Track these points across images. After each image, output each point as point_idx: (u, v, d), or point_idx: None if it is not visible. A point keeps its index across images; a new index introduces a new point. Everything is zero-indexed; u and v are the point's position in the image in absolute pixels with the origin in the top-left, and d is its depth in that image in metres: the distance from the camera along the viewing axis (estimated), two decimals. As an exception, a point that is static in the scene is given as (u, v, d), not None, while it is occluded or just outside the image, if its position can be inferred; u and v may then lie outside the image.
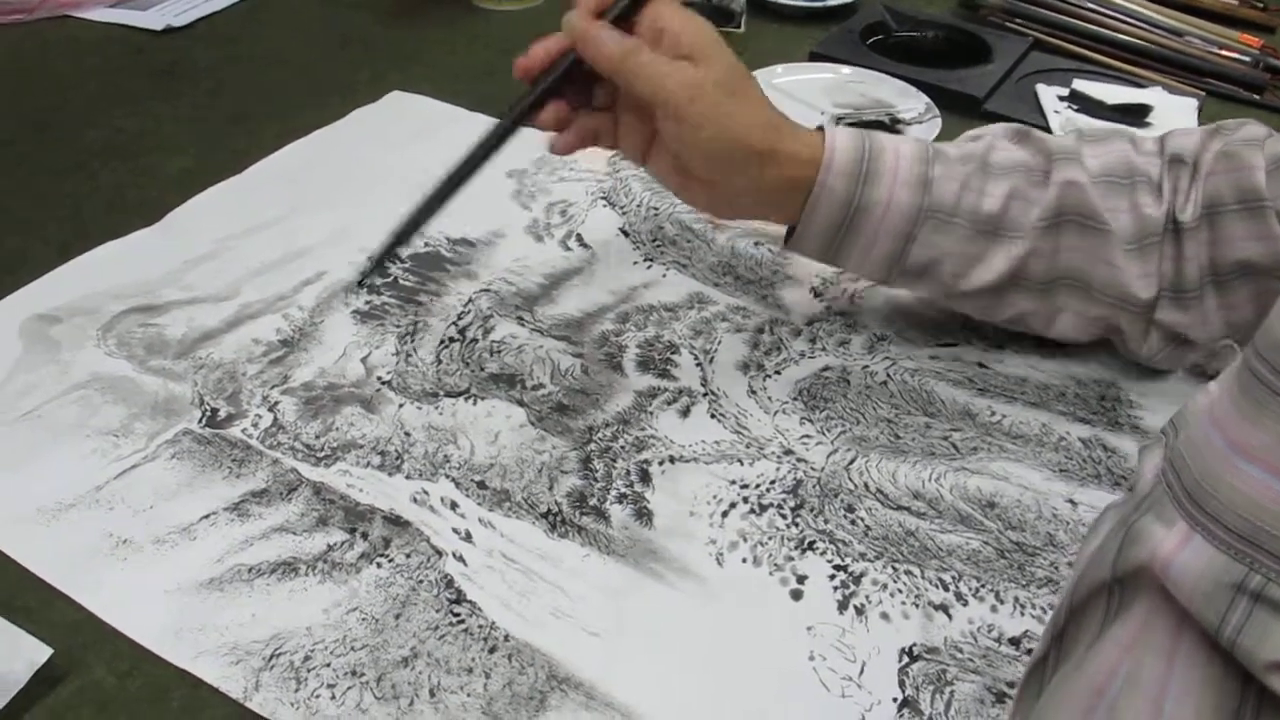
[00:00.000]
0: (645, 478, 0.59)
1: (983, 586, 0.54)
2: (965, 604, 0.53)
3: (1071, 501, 0.59)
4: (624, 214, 0.81)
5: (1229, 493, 0.30)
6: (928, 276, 0.64)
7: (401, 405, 0.63)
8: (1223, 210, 0.60)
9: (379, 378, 0.65)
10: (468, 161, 0.59)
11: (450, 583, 0.53)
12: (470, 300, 0.71)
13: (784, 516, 0.57)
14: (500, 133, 0.59)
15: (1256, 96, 1.02)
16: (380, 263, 0.59)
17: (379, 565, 0.54)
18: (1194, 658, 0.31)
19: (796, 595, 0.53)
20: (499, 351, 0.67)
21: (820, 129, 0.62)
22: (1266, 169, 0.59)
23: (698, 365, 0.67)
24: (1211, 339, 0.63)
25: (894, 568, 0.55)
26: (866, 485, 0.59)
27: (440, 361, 0.66)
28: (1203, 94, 0.99)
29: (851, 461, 0.61)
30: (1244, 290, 0.61)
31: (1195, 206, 0.61)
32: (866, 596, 0.53)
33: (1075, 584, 0.37)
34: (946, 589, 0.54)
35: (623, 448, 0.61)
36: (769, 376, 0.66)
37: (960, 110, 0.96)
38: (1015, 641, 0.51)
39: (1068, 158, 0.62)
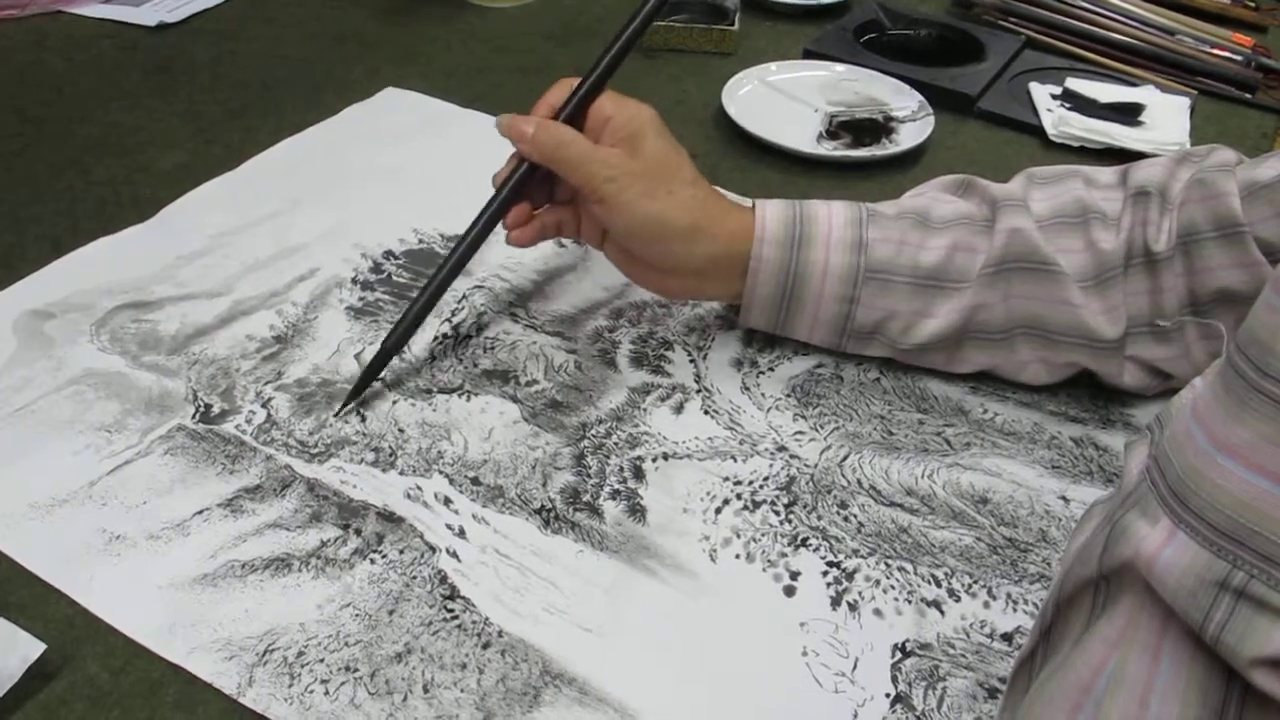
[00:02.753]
0: (639, 474, 0.59)
1: (975, 583, 0.54)
2: (958, 600, 0.53)
3: (1064, 498, 0.59)
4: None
5: (1211, 489, 0.31)
6: (878, 336, 0.65)
7: (395, 401, 0.63)
8: (1200, 239, 0.60)
9: (373, 374, 0.65)
10: (439, 279, 0.64)
11: (444, 579, 0.53)
12: (464, 296, 0.71)
13: (777, 513, 0.57)
14: (469, 244, 0.64)
15: (1248, 96, 1.02)
16: (359, 391, 0.63)
17: (372, 561, 0.54)
18: (1179, 654, 0.32)
19: (789, 591, 0.53)
20: (493, 348, 0.67)
21: (753, 205, 0.65)
22: (1240, 195, 0.59)
23: (691, 362, 0.67)
24: (1195, 372, 0.62)
25: (887, 564, 0.55)
26: (859, 482, 0.59)
27: (434, 358, 0.66)
28: (1194, 93, 1.00)
29: (844, 458, 0.61)
30: (1225, 319, 0.60)
31: (1169, 237, 0.60)
32: (859, 593, 0.53)
33: (1062, 580, 0.37)
34: (939, 585, 0.54)
35: (616, 444, 0.61)
36: (762, 373, 0.66)
37: (953, 108, 0.97)
38: (1008, 637, 0.51)
39: (1013, 204, 0.62)
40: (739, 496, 0.58)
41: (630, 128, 0.62)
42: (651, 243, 0.63)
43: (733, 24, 1.07)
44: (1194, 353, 0.61)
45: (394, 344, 0.63)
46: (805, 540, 0.56)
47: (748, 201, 0.65)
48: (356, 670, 0.49)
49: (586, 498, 0.58)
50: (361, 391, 0.63)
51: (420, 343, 0.67)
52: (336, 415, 0.62)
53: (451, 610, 0.51)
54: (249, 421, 0.61)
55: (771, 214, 0.63)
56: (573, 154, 0.61)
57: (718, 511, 0.57)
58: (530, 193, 0.65)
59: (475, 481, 0.58)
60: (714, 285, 0.66)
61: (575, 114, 0.63)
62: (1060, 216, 0.62)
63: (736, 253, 0.63)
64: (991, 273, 0.62)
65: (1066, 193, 0.63)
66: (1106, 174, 0.64)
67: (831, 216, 0.64)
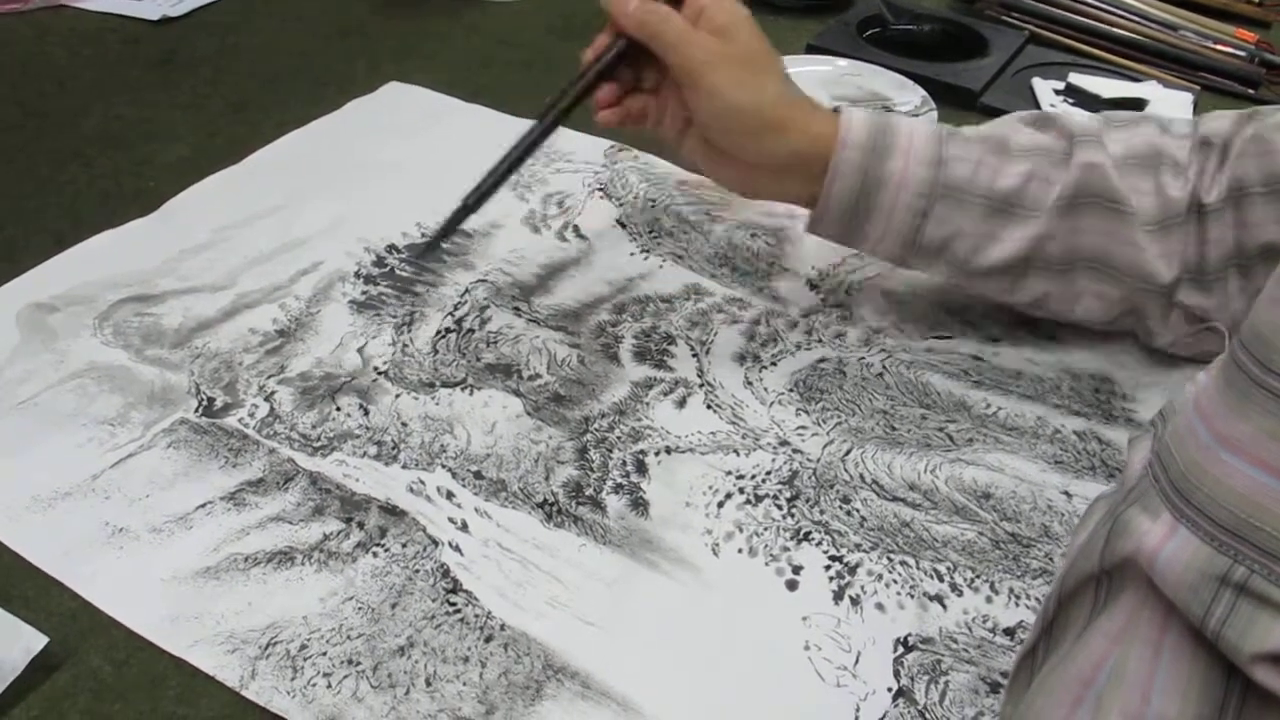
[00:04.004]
0: (641, 468, 0.59)
1: (978, 577, 0.54)
2: (960, 595, 0.53)
3: (1066, 493, 0.59)
4: (621, 205, 0.81)
5: (1213, 485, 0.31)
6: (944, 254, 0.65)
7: (398, 395, 0.63)
8: (1249, 193, 0.60)
9: (375, 368, 0.65)
10: (527, 142, 0.64)
11: (446, 572, 0.53)
12: (467, 291, 0.71)
13: (780, 507, 0.57)
14: (559, 111, 0.64)
15: (1251, 91, 1.02)
16: (443, 236, 0.64)
17: (375, 555, 0.54)
18: (1180, 650, 0.32)
19: (792, 586, 0.53)
20: (495, 342, 0.67)
21: (837, 109, 0.64)
22: None
23: (694, 356, 0.67)
24: (1235, 322, 0.62)
25: (889, 558, 0.55)
26: (862, 476, 0.59)
27: (437, 352, 0.66)
28: (1197, 88, 1.00)
29: (847, 452, 0.61)
30: (1267, 274, 0.60)
31: (1221, 189, 0.61)
32: (862, 587, 0.53)
33: (1064, 574, 0.37)
34: (941, 580, 0.54)
35: (619, 438, 0.61)
36: (765, 368, 0.66)
37: (956, 103, 0.96)
38: (1010, 632, 0.52)
39: (1090, 140, 0.62)
40: (741, 491, 0.58)
41: (724, 18, 0.62)
42: (738, 134, 0.63)
43: None
44: (1234, 305, 0.62)
45: (474, 203, 0.63)
46: (808, 534, 0.56)
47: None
48: (359, 663, 0.49)
49: (589, 492, 0.58)
50: (439, 243, 0.64)
51: (423, 336, 0.67)
52: (414, 257, 0.65)
53: (454, 604, 0.52)
54: (252, 415, 0.61)
55: (857, 120, 0.63)
56: (671, 31, 0.61)
57: (720, 506, 0.57)
58: (618, 75, 0.65)
59: (478, 475, 0.58)
60: (792, 184, 0.66)
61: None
62: (1133, 157, 0.62)
63: (819, 152, 0.63)
64: (1064, 205, 0.62)
65: (1140, 135, 0.63)
66: (1179, 123, 0.65)
67: (913, 131, 0.64)
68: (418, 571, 0.53)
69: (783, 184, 0.66)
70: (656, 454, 0.60)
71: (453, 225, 0.63)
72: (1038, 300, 0.66)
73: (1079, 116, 0.65)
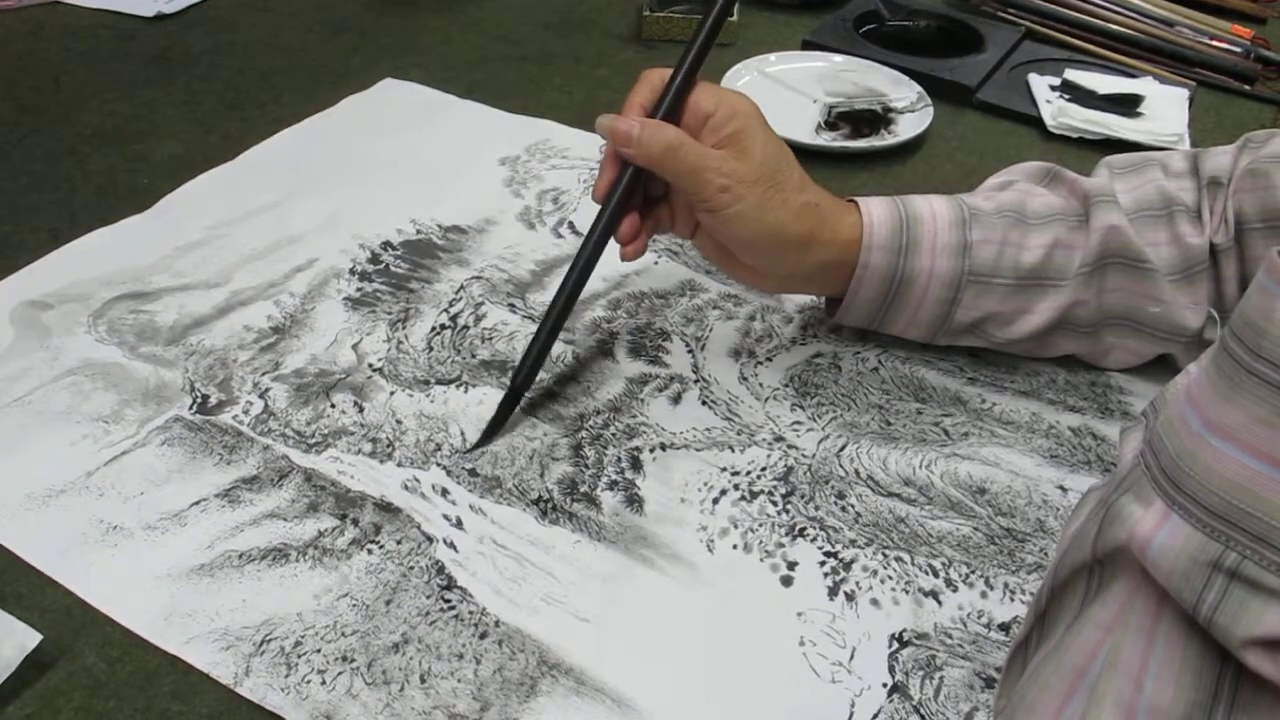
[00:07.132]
0: (636, 464, 0.59)
1: (973, 573, 0.54)
2: (955, 590, 0.53)
3: (1062, 488, 0.59)
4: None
5: (1205, 472, 0.31)
6: (975, 332, 0.65)
7: (393, 392, 0.63)
8: (1248, 229, 0.60)
9: (370, 365, 0.65)
10: (559, 307, 0.61)
11: (441, 569, 0.53)
12: (462, 287, 0.71)
13: (775, 503, 0.57)
14: (586, 263, 0.61)
15: (1247, 87, 1.02)
16: (491, 434, 0.60)
17: (370, 551, 0.54)
18: (1173, 637, 0.32)
19: (787, 581, 0.53)
20: (490, 339, 0.67)
21: (853, 201, 0.63)
22: None
23: (689, 352, 0.67)
24: None
25: (884, 554, 0.55)
26: (857, 472, 0.59)
27: (432, 348, 0.66)
28: (1193, 84, 1.00)
29: (842, 448, 0.61)
30: None
31: (1228, 227, 0.61)
32: (857, 583, 0.53)
33: (1057, 565, 0.37)
34: (936, 575, 0.54)
35: (614, 435, 0.61)
36: (760, 363, 0.66)
37: (952, 99, 0.96)
38: (1004, 627, 0.51)
39: (1104, 200, 0.62)
40: (736, 487, 0.58)
41: (733, 125, 0.58)
42: (764, 252, 0.61)
43: (732, 14, 1.07)
44: None
45: (522, 382, 0.61)
46: (803, 530, 0.56)
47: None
48: (353, 660, 0.49)
49: (584, 488, 0.58)
50: (494, 434, 0.60)
51: (418, 333, 0.67)
52: (468, 452, 0.59)
53: (449, 600, 0.51)
54: (246, 412, 0.61)
55: (878, 218, 0.62)
56: (682, 160, 0.57)
57: (715, 502, 0.57)
58: (632, 201, 0.61)
59: (473, 473, 0.58)
60: (816, 287, 0.66)
61: (671, 111, 0.59)
62: (1145, 209, 0.62)
63: (847, 259, 0.62)
64: (1088, 271, 0.62)
65: (1148, 184, 0.63)
66: (1177, 161, 0.64)
67: (936, 219, 0.62)
68: (412, 568, 0.53)
69: (809, 288, 0.66)
70: (651, 450, 0.60)
71: (506, 411, 0.61)
72: (1067, 355, 0.66)
73: (1086, 178, 0.64)
